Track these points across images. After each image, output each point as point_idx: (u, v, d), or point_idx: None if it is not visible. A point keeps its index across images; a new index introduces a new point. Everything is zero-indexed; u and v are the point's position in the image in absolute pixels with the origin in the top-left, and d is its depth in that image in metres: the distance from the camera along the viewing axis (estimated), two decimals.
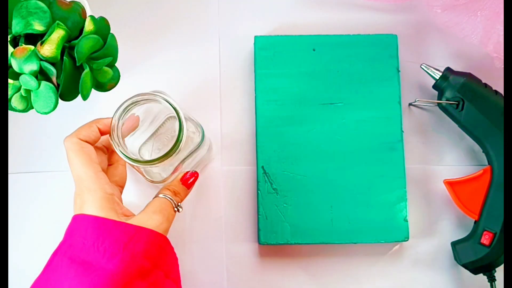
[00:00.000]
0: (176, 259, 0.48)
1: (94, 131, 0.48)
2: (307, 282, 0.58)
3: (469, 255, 0.55)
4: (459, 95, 0.56)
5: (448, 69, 0.58)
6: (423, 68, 0.59)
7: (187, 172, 0.51)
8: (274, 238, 0.56)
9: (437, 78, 0.58)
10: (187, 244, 0.58)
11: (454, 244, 0.57)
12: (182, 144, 0.46)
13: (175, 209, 0.48)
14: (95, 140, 0.48)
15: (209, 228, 0.59)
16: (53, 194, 0.59)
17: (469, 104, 0.56)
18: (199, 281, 0.58)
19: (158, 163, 0.46)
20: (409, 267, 0.59)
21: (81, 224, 0.45)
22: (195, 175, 0.51)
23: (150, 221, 0.46)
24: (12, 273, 0.58)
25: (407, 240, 0.56)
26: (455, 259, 0.57)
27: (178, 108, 0.46)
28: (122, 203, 0.49)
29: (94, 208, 0.44)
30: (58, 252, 0.44)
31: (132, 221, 0.45)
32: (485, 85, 0.57)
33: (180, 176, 0.51)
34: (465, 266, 0.56)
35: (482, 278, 0.57)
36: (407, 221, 0.57)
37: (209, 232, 0.58)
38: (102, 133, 0.49)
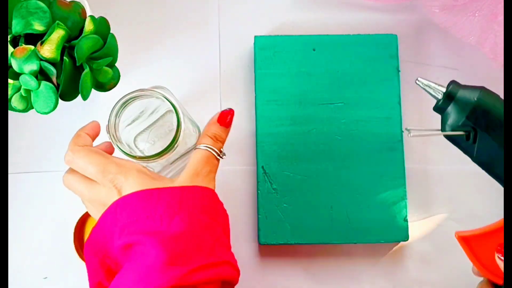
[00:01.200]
0: (226, 214, 0.46)
1: (85, 137, 0.47)
2: (307, 282, 0.58)
3: None
4: (470, 122, 0.41)
5: (453, 83, 0.42)
6: (419, 85, 0.43)
7: (223, 110, 0.48)
8: (274, 238, 0.56)
9: (439, 97, 0.42)
10: None
11: None
12: (179, 141, 0.46)
13: (218, 157, 0.47)
14: (91, 144, 0.48)
15: None
16: (53, 194, 0.59)
17: (484, 134, 0.41)
18: None
19: (154, 159, 0.46)
20: (409, 267, 0.59)
21: (127, 204, 0.43)
22: (231, 112, 0.49)
23: (194, 178, 0.45)
24: (12, 273, 0.58)
25: (407, 240, 0.56)
26: None
27: (176, 104, 0.46)
28: None
29: (134, 185, 0.43)
30: (113, 237, 0.43)
31: (177, 182, 0.44)
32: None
33: (216, 117, 0.48)
34: None
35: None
36: (407, 221, 0.57)
37: None
38: (92, 137, 0.48)
